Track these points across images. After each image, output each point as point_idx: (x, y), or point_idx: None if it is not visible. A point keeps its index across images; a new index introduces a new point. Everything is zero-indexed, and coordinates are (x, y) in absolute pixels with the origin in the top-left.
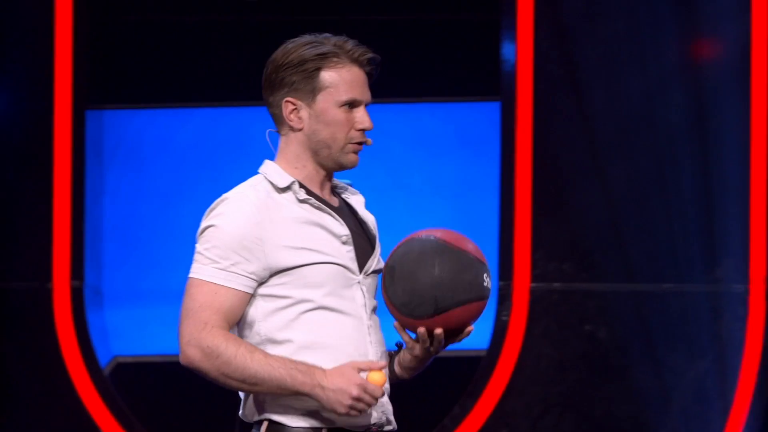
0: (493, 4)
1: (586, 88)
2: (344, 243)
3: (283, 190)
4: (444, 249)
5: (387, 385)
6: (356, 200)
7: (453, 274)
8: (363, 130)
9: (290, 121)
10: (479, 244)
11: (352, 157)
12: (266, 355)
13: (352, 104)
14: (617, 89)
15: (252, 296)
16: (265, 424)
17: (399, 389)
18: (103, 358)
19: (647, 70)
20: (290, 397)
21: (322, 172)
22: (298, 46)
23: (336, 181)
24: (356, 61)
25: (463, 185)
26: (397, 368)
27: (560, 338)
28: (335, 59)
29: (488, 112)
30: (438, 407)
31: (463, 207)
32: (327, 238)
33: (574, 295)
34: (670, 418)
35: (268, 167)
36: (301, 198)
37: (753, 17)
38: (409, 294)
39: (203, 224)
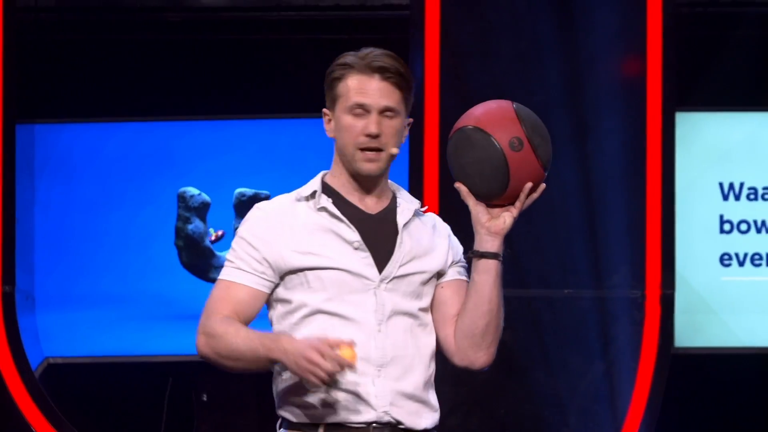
0: (403, 24)
1: None
2: (356, 249)
3: (306, 198)
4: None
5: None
6: (406, 207)
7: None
8: (369, 136)
9: (327, 131)
10: None
11: (363, 164)
12: (249, 331)
13: (360, 110)
14: None
15: (270, 300)
16: (279, 420)
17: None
18: (35, 360)
19: (534, 92)
20: (293, 395)
21: (355, 181)
22: (335, 60)
23: (397, 188)
24: (368, 69)
25: None
26: (481, 270)
27: None
28: (349, 69)
29: None
30: None
31: None
32: (338, 244)
33: None
34: (569, 418)
35: (314, 179)
36: (318, 206)
37: (647, 37)
38: (550, 146)
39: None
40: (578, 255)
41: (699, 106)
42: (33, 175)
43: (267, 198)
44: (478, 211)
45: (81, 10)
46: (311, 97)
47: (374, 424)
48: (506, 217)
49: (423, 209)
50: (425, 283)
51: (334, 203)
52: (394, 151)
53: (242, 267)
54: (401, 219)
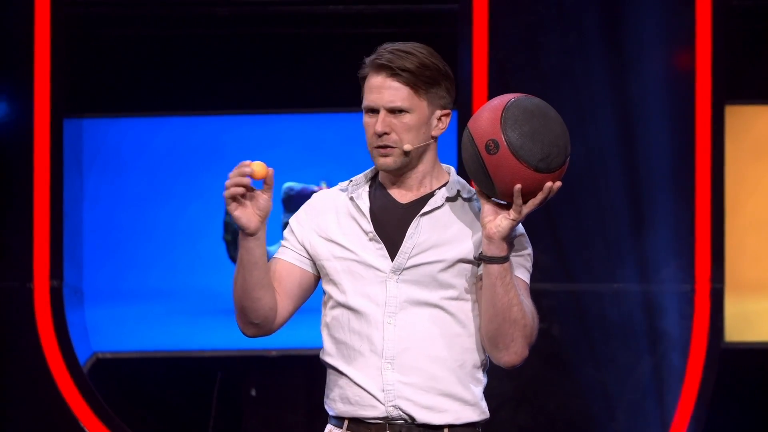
0: (451, 18)
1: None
2: (371, 240)
3: (346, 188)
4: (548, 105)
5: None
6: (441, 196)
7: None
8: (376, 135)
9: None
10: None
11: (379, 160)
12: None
13: (371, 110)
14: (556, 101)
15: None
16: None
17: None
18: (83, 355)
19: (579, 86)
20: (329, 390)
21: (387, 173)
22: None
23: (451, 178)
24: (376, 67)
25: None
26: (484, 274)
27: None
28: (366, 68)
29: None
30: None
31: None
32: (356, 233)
33: None
34: (617, 413)
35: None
36: (349, 195)
37: (697, 34)
38: (549, 146)
39: None
40: (627, 249)
41: (749, 99)
42: (81, 170)
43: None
44: (483, 209)
45: (130, 4)
46: (359, 91)
47: (390, 421)
48: (502, 220)
49: (470, 194)
50: (448, 271)
51: (373, 192)
52: (407, 147)
53: (284, 244)
54: (424, 208)
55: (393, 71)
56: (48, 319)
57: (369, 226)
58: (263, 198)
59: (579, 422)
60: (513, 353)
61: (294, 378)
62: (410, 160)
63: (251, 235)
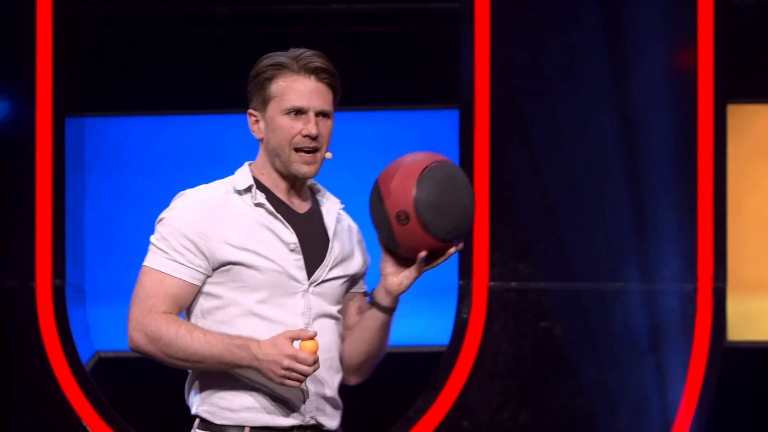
0: (453, 17)
1: (533, 100)
2: (292, 251)
3: (242, 192)
4: (455, 168)
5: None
6: (330, 208)
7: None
8: (308, 137)
9: (253, 132)
10: None
11: (300, 167)
12: (205, 332)
13: (297, 112)
14: (557, 102)
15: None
16: (197, 420)
17: (365, 383)
18: (85, 354)
19: (581, 86)
20: (216, 396)
21: (284, 181)
22: (260, 60)
23: (318, 188)
24: (304, 71)
25: None
26: (370, 315)
27: (517, 334)
28: (284, 70)
29: (448, 119)
30: (402, 400)
31: None
32: (275, 244)
33: (530, 293)
34: (619, 412)
35: (241, 169)
36: (256, 202)
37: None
38: (458, 218)
39: (160, 216)
40: (628, 248)
41: (751, 98)
42: (83, 169)
43: None
44: (384, 260)
45: (130, 3)
46: (364, 89)
47: (300, 429)
48: (404, 280)
49: (341, 207)
50: (343, 286)
51: (268, 200)
52: (328, 155)
53: (178, 259)
54: (329, 220)
55: (323, 75)
56: (50, 318)
57: (292, 237)
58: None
59: (581, 421)
60: (364, 377)
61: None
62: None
63: None
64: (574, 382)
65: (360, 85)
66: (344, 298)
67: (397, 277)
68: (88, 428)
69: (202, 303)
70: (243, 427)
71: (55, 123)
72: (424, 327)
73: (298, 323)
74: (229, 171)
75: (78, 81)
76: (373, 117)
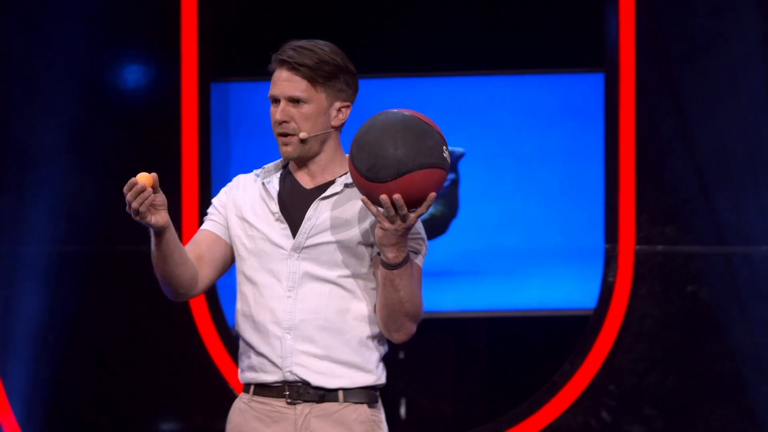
0: None
1: (682, 62)
2: (276, 220)
3: (259, 174)
4: (407, 118)
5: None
6: (340, 182)
7: (415, 138)
8: (276, 122)
9: None
10: (585, 208)
11: (281, 148)
12: None
13: (274, 100)
14: (706, 64)
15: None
16: None
17: (515, 346)
18: (232, 318)
19: (730, 48)
20: (239, 360)
21: (294, 161)
22: None
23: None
24: (277, 63)
25: (569, 153)
26: (379, 273)
27: (664, 298)
28: (272, 63)
29: (593, 83)
30: (549, 364)
31: (570, 174)
32: (264, 215)
33: (676, 257)
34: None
35: None
36: (262, 180)
37: None
38: (374, 157)
39: None
40: None
41: None
42: (228, 133)
43: (462, 156)
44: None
45: None
46: (508, 53)
47: (288, 383)
48: (377, 230)
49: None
50: (344, 251)
51: (283, 178)
52: (302, 135)
53: (210, 217)
54: (324, 193)
55: (292, 66)
56: None
57: (275, 207)
58: (159, 197)
59: (729, 384)
60: (402, 334)
61: (442, 341)
62: (309, 149)
63: (164, 228)
64: (722, 346)
65: (504, 49)
66: (368, 263)
67: (378, 230)
68: (234, 391)
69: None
70: (250, 385)
71: (201, 88)
72: (569, 291)
73: (278, 286)
74: None
75: (223, 46)
76: (517, 81)
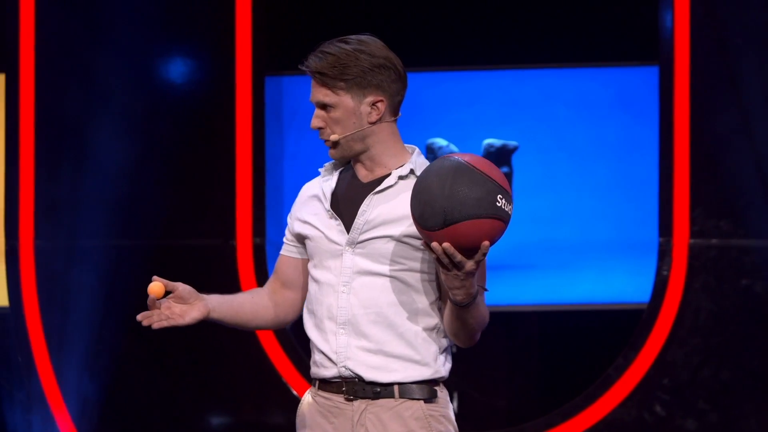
0: None
1: (739, 54)
2: (330, 217)
3: (321, 173)
4: (460, 166)
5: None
6: (395, 175)
7: (464, 187)
8: (314, 129)
9: None
10: (640, 201)
11: (329, 151)
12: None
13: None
14: (763, 56)
15: None
16: None
17: (568, 340)
18: None
19: None
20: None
21: (351, 158)
22: None
23: (411, 157)
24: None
25: (624, 146)
26: (447, 307)
27: (718, 292)
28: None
29: (647, 76)
30: (603, 358)
31: (625, 167)
32: (320, 212)
33: (731, 250)
34: None
35: None
36: (321, 179)
37: None
38: (423, 204)
39: None
40: None
41: None
42: (282, 127)
43: (515, 149)
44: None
45: None
46: (562, 46)
47: (345, 379)
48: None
49: (406, 173)
50: (399, 245)
51: (344, 174)
52: (333, 137)
53: (285, 240)
54: (378, 187)
55: (312, 73)
56: (251, 276)
57: (327, 205)
58: (177, 308)
59: None
60: (469, 344)
61: (495, 335)
62: (350, 149)
63: (206, 316)
64: None
65: (558, 43)
66: (424, 256)
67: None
68: (288, 385)
69: None
70: (315, 380)
71: (255, 82)
72: (623, 285)
73: (335, 281)
74: (427, 129)
75: (277, 40)
76: (571, 74)
